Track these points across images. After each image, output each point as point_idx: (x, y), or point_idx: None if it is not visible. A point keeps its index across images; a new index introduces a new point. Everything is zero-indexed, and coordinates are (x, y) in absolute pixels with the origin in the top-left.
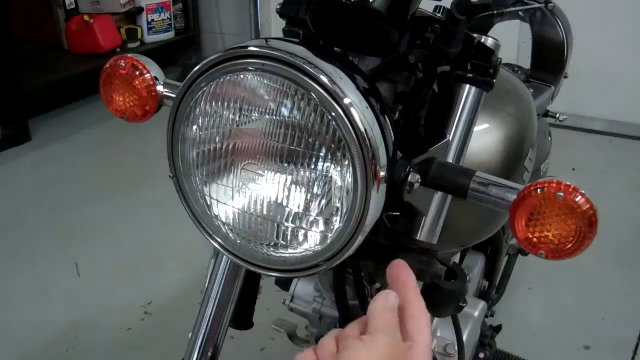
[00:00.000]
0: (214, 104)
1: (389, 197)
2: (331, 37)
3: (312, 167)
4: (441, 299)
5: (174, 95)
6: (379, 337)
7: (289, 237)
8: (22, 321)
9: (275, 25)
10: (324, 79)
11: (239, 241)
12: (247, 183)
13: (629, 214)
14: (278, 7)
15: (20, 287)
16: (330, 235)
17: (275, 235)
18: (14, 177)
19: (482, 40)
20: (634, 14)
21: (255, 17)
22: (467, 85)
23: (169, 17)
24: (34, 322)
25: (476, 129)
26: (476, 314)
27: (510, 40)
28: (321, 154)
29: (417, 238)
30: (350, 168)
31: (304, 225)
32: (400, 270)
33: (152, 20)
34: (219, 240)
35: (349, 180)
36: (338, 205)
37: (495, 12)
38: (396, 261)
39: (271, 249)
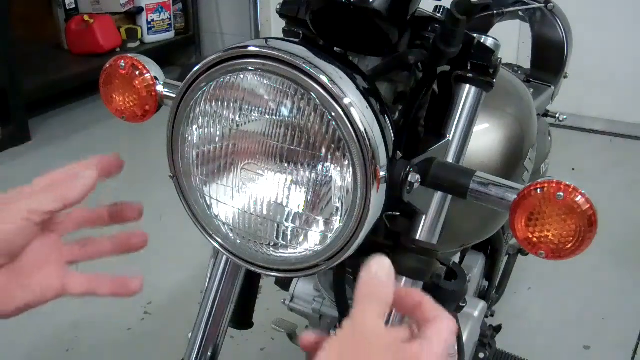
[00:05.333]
0: (214, 104)
1: (389, 197)
2: (331, 37)
3: (312, 167)
4: (441, 299)
5: (174, 95)
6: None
7: (289, 237)
8: (22, 321)
9: (275, 25)
10: (324, 79)
11: (239, 241)
12: (247, 183)
13: (629, 214)
14: (278, 7)
15: None
16: (330, 235)
17: (275, 235)
18: (14, 177)
19: (482, 40)
20: (634, 14)
21: (255, 17)
22: (467, 85)
23: (169, 17)
24: (34, 322)
25: (476, 129)
26: (476, 314)
27: (510, 40)
28: (321, 154)
29: (417, 238)
30: (350, 168)
31: (304, 225)
32: (415, 296)
33: (152, 20)
34: (219, 240)
35: (349, 180)
36: (338, 205)
37: (495, 12)
38: (408, 290)
39: (271, 249)
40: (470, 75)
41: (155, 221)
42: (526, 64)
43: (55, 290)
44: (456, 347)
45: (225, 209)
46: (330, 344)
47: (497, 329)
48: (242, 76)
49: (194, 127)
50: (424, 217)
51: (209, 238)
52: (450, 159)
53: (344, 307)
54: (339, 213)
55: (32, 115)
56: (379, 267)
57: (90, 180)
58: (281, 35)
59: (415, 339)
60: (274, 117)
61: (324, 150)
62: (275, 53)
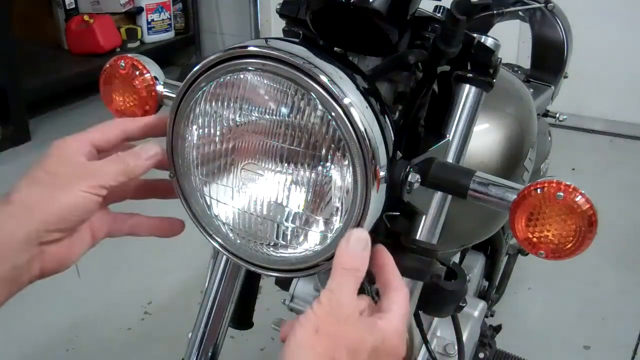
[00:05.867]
0: (213, 103)
1: (389, 197)
2: (331, 37)
3: (312, 167)
4: (441, 299)
5: (174, 95)
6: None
7: (289, 237)
8: (22, 321)
9: (275, 25)
10: (324, 79)
11: (239, 241)
12: (247, 183)
13: (629, 214)
14: (278, 7)
15: None
16: (330, 235)
17: (275, 235)
18: (14, 177)
19: (482, 40)
20: (634, 14)
21: (255, 17)
22: (467, 85)
23: (169, 17)
24: (34, 322)
25: (476, 129)
26: (476, 314)
27: (510, 40)
28: (321, 154)
29: (417, 238)
30: (350, 168)
31: (304, 225)
32: (382, 256)
33: (152, 20)
34: (219, 240)
35: (349, 180)
36: (338, 205)
37: (495, 12)
38: (377, 246)
39: (271, 249)
40: (470, 75)
41: None
42: (526, 64)
43: (103, 236)
44: (456, 347)
45: (225, 209)
46: (307, 318)
47: (497, 329)
48: (242, 76)
49: (194, 127)
50: (424, 217)
51: (209, 238)
52: (450, 159)
53: None
54: (339, 213)
55: (32, 115)
56: (357, 239)
57: (157, 156)
58: (281, 35)
59: (379, 311)
60: (274, 117)
61: (324, 150)
62: (275, 53)
